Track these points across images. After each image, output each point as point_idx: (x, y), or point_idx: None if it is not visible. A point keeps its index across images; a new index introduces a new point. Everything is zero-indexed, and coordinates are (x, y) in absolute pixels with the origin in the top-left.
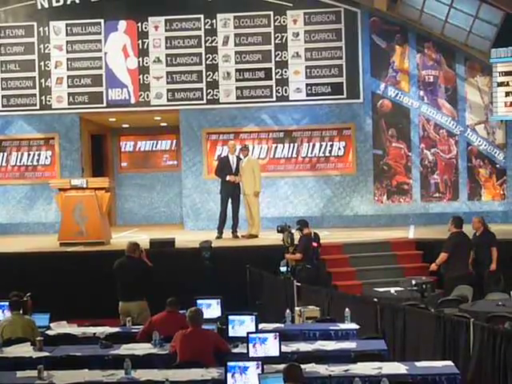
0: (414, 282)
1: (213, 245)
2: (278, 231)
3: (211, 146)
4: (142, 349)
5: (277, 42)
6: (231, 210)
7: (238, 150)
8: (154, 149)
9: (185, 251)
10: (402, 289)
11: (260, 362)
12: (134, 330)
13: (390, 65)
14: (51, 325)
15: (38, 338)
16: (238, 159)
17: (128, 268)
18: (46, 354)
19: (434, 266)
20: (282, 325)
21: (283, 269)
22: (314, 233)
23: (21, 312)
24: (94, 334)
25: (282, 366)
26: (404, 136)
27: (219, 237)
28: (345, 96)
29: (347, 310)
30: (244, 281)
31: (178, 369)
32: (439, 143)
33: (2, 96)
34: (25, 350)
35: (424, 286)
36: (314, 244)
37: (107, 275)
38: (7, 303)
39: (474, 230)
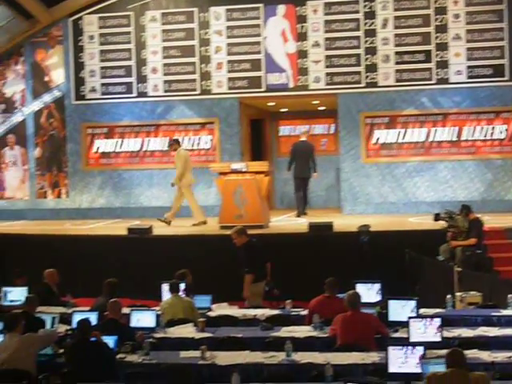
0: None
1: (371, 229)
2: (438, 219)
3: (370, 130)
4: (302, 331)
5: (437, 23)
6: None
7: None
8: (311, 133)
9: (343, 235)
10: None
11: (422, 347)
12: (293, 313)
13: None
14: (212, 306)
15: (201, 319)
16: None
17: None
18: (209, 334)
19: None
20: (443, 310)
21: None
22: None
23: (179, 294)
24: (255, 315)
25: (443, 352)
26: None
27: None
28: (507, 78)
29: (510, 296)
30: (402, 265)
31: (338, 352)
32: None
33: (164, 81)
34: (188, 331)
35: None
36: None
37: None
38: (168, 286)
39: None
